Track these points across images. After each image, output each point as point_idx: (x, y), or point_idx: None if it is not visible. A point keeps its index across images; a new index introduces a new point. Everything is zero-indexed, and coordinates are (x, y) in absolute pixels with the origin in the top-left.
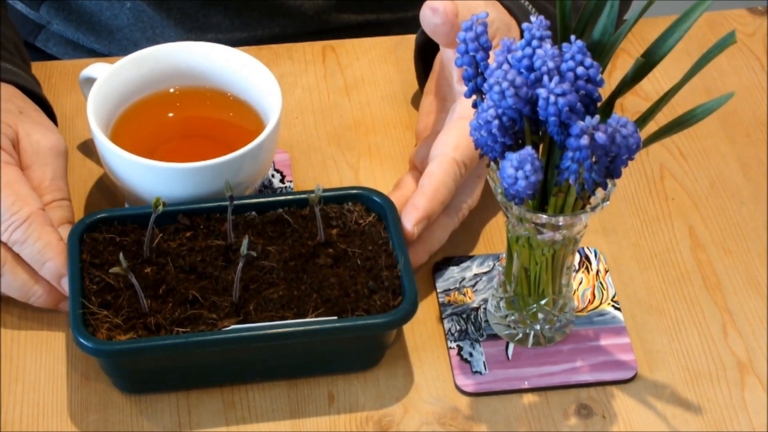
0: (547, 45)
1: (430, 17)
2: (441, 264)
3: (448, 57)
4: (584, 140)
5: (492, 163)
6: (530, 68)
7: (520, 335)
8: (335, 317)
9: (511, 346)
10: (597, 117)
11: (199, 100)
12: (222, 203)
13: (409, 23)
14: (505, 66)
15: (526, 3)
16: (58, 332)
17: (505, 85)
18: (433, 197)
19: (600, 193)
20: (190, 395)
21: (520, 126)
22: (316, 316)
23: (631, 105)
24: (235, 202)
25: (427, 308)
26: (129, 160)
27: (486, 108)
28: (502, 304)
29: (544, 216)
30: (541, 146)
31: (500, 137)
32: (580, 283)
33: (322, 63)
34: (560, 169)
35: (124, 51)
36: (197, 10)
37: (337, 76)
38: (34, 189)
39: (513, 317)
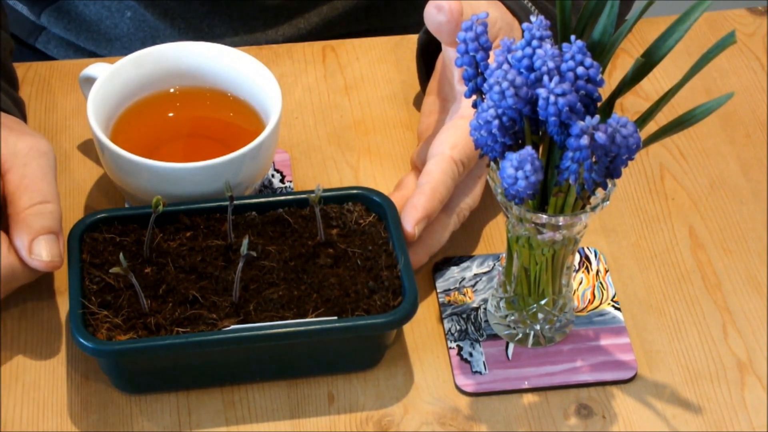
0: (547, 45)
1: (435, 15)
2: (441, 264)
3: (450, 57)
4: (584, 140)
5: (492, 163)
6: (530, 68)
7: (520, 335)
8: (335, 317)
9: (511, 346)
10: (597, 117)
11: (199, 100)
12: (222, 203)
13: (410, 28)
14: (505, 66)
15: (528, 3)
16: (58, 332)
17: (505, 85)
18: (432, 196)
19: (600, 193)
20: (190, 395)
21: (520, 126)
22: (316, 316)
23: (631, 105)
24: (235, 202)
25: (427, 308)
26: (129, 160)
27: (486, 108)
28: (502, 304)
29: (544, 216)
30: (541, 146)
31: (500, 137)
32: (580, 283)
33: (322, 63)
34: (560, 169)
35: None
36: (201, 20)
37: (337, 76)
38: (10, 194)
39: (513, 317)
